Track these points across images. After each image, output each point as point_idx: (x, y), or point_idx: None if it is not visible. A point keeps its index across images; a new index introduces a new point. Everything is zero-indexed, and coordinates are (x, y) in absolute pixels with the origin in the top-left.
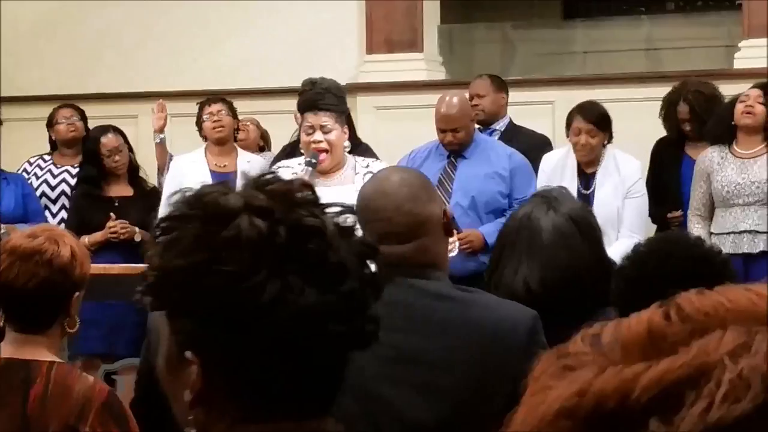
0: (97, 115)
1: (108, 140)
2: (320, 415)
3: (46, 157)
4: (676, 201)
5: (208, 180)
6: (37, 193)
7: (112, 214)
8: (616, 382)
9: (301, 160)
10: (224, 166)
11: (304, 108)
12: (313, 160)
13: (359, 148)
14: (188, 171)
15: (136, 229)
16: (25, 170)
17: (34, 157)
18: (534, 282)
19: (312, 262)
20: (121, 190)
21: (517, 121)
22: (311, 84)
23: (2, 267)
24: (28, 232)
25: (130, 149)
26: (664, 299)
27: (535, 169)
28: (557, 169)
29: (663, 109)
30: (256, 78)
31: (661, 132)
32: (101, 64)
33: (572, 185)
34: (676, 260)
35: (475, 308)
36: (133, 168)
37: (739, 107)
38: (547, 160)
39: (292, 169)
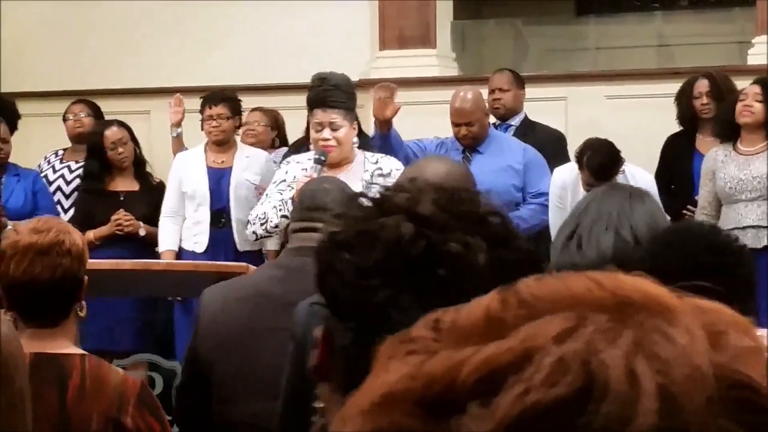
0: (110, 110)
1: (111, 133)
2: None
3: (60, 152)
4: (686, 195)
5: (204, 176)
6: (51, 188)
7: (122, 210)
8: (445, 365)
9: (311, 155)
10: (222, 162)
11: (313, 104)
12: (322, 158)
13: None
14: (187, 167)
15: (140, 223)
16: (41, 166)
17: (50, 152)
18: (631, 237)
19: (432, 286)
20: (127, 184)
21: (529, 117)
22: (320, 80)
23: (24, 265)
24: (30, 227)
25: (136, 144)
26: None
27: (550, 165)
28: (568, 188)
29: (678, 94)
30: (269, 73)
31: (672, 128)
32: (115, 60)
33: None
34: (693, 250)
35: None
36: (139, 162)
37: (739, 106)
38: (559, 177)
39: (301, 165)
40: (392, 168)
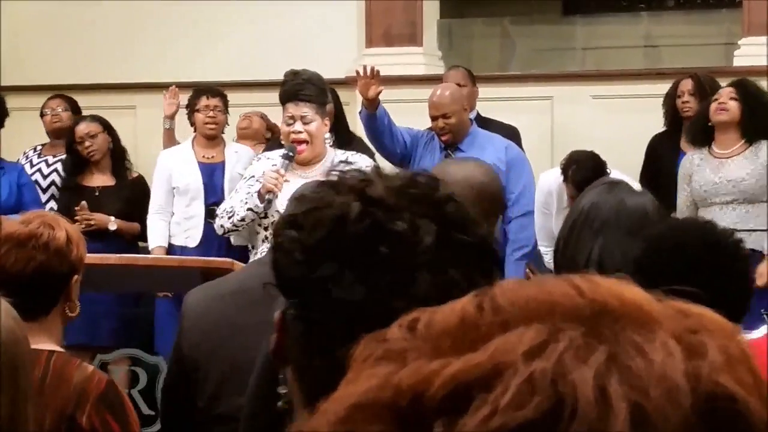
0: (95, 105)
1: (80, 127)
2: None
3: (38, 147)
4: (671, 196)
5: (197, 172)
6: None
7: (84, 203)
8: (414, 377)
9: (282, 151)
10: (212, 157)
11: (285, 98)
12: (290, 153)
13: (353, 142)
14: (175, 163)
15: (111, 218)
16: (19, 160)
17: (29, 147)
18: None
19: (375, 264)
20: (103, 179)
21: (515, 117)
22: (293, 75)
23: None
24: (21, 218)
25: (114, 137)
26: (673, 289)
27: None
28: (554, 193)
29: (666, 95)
30: (255, 70)
31: (658, 129)
32: (101, 55)
33: None
34: (688, 249)
35: None
36: (117, 156)
37: (713, 105)
38: (545, 182)
39: (271, 161)
40: (362, 165)
